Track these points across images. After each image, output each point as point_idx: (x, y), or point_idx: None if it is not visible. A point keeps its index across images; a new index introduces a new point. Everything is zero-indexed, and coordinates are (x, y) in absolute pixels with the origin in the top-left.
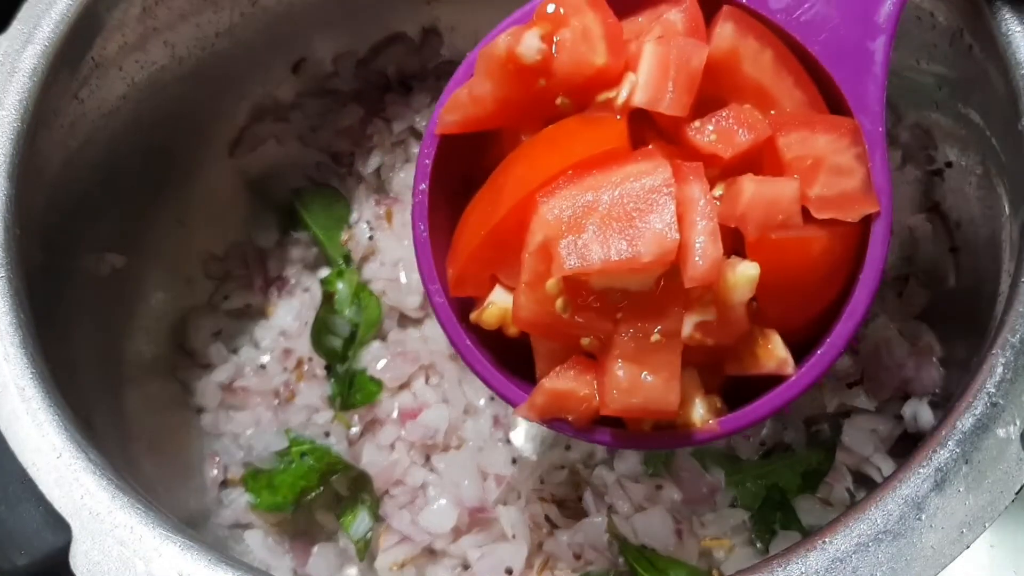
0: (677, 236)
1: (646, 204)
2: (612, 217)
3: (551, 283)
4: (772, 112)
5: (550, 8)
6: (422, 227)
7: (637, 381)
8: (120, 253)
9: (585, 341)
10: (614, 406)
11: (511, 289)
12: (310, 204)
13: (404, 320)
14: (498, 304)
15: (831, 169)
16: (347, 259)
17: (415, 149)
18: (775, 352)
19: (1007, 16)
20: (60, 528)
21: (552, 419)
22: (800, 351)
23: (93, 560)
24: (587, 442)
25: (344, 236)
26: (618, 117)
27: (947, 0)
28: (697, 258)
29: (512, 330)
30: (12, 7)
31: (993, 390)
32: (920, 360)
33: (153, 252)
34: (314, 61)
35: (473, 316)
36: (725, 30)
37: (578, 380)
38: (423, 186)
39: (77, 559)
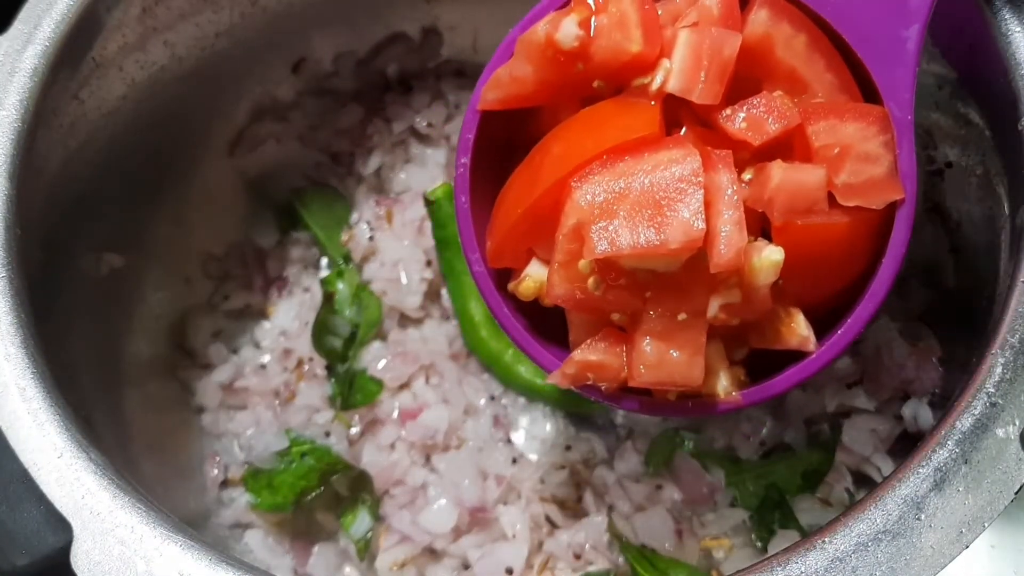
0: (703, 226)
1: (675, 192)
2: (642, 204)
3: (583, 263)
4: (804, 96)
5: None
6: (463, 199)
7: (664, 357)
8: (119, 253)
9: (615, 316)
10: (642, 380)
11: (547, 262)
12: (310, 204)
13: (404, 320)
14: (534, 277)
15: (858, 156)
16: (347, 259)
17: (415, 149)
18: (798, 329)
19: (1007, 16)
20: (61, 528)
21: (582, 386)
22: (821, 323)
23: (94, 560)
24: (615, 407)
25: (344, 236)
26: (652, 103)
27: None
28: (723, 246)
29: (547, 301)
30: (13, 7)
31: (992, 390)
32: (920, 360)
33: (152, 252)
34: (314, 61)
35: (511, 286)
36: (760, 16)
37: (608, 352)
38: (464, 159)
39: (78, 559)
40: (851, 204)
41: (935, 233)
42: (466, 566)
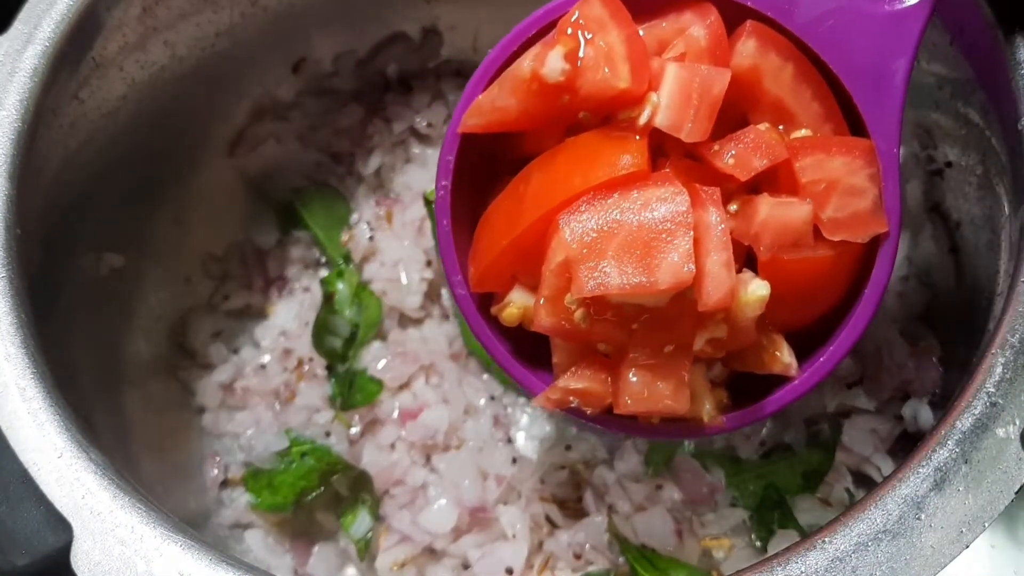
0: (693, 268)
1: (665, 233)
2: (631, 243)
3: (570, 298)
4: (789, 127)
5: (574, 22)
6: (445, 222)
7: (650, 388)
8: (119, 253)
9: (601, 347)
10: (627, 409)
11: (530, 289)
12: (310, 204)
13: (404, 320)
14: (517, 303)
15: (845, 190)
16: (347, 259)
17: (416, 149)
18: (781, 357)
19: (1007, 16)
20: (61, 528)
21: (567, 409)
22: (804, 340)
23: (94, 560)
24: (599, 429)
25: (344, 236)
26: (638, 137)
27: (947, 0)
28: (711, 287)
29: (532, 328)
30: (13, 7)
31: (993, 390)
32: (920, 360)
33: (153, 252)
34: (314, 61)
35: (494, 310)
36: (747, 47)
37: (593, 380)
38: (445, 182)
39: (78, 559)
40: (837, 239)
41: (935, 233)
42: (466, 566)
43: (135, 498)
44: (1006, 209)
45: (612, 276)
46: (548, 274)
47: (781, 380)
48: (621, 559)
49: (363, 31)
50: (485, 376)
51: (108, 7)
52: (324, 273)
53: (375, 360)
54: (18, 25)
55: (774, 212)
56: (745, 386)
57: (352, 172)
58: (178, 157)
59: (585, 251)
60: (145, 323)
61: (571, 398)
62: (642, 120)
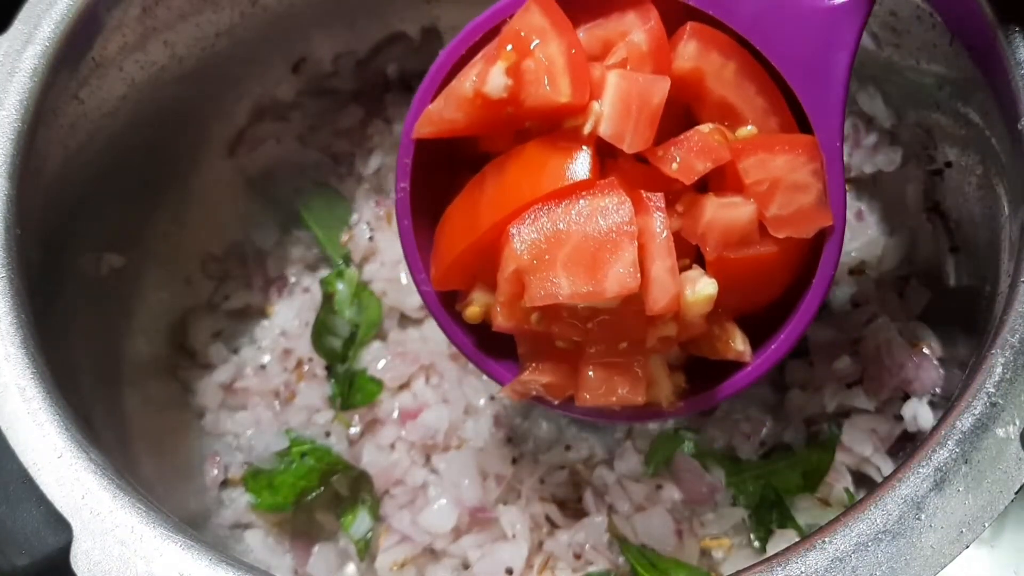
0: (638, 278)
1: (610, 243)
2: (578, 253)
3: (525, 303)
4: (735, 123)
5: (514, 34)
6: (405, 222)
7: (608, 382)
8: (119, 253)
9: (560, 344)
10: (587, 403)
11: (491, 288)
12: (311, 204)
13: (404, 320)
14: (479, 301)
15: (788, 187)
16: (347, 259)
17: None
18: (734, 345)
19: (1007, 16)
20: (61, 528)
21: (533, 397)
22: (760, 325)
23: (94, 560)
24: (565, 414)
25: (344, 237)
26: (584, 147)
27: (946, 0)
28: (657, 294)
29: (494, 328)
30: (13, 7)
31: (992, 390)
32: (920, 360)
33: (153, 252)
34: (314, 61)
35: (458, 307)
36: (688, 49)
37: (555, 373)
38: (404, 184)
39: (78, 559)
40: (782, 236)
41: (935, 233)
42: (466, 566)
43: (135, 498)
44: (1006, 209)
45: (562, 286)
46: (502, 281)
47: (737, 365)
48: (621, 559)
49: (363, 31)
50: (485, 376)
51: (108, 7)
52: (324, 273)
53: (375, 360)
54: (18, 25)
55: (719, 213)
56: (702, 369)
57: (352, 172)
58: (178, 157)
59: (535, 262)
60: (145, 323)
61: (535, 390)
62: (586, 130)
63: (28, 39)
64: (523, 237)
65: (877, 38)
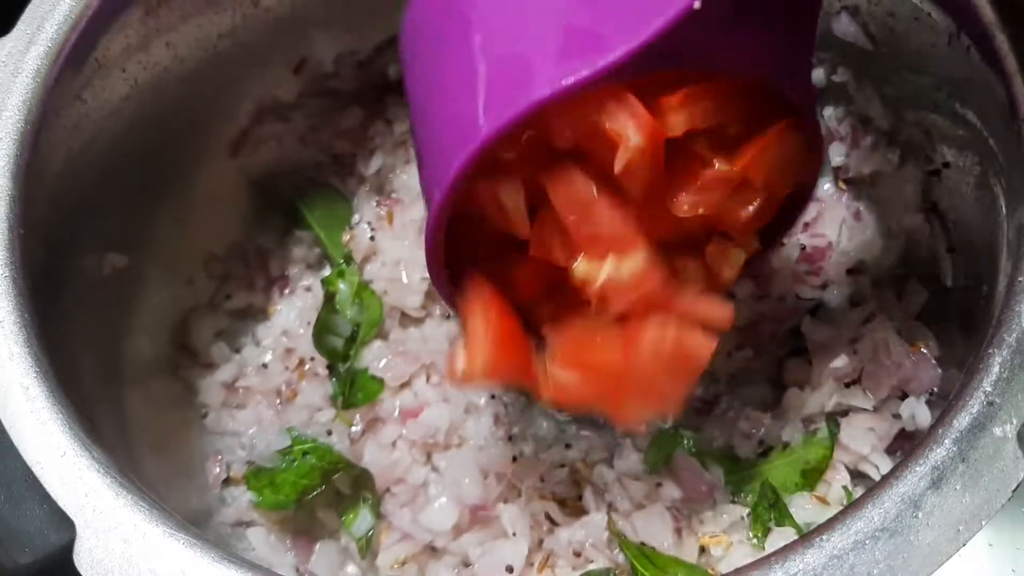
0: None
1: None
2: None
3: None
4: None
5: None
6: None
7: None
8: (122, 253)
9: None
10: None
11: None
12: (312, 204)
13: (405, 320)
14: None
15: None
16: (348, 259)
17: None
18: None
19: (1006, 16)
20: (64, 526)
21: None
22: None
23: (97, 558)
24: None
25: (346, 236)
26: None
27: (945, 1)
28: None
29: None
30: (16, 8)
31: (990, 389)
32: (918, 359)
33: (154, 252)
34: (315, 62)
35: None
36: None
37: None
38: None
39: (81, 557)
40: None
41: (933, 233)
42: (467, 564)
43: (138, 496)
44: (1003, 209)
45: None
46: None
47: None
48: (621, 557)
49: (364, 32)
50: None
51: (111, 9)
52: (325, 273)
53: (376, 359)
54: (21, 26)
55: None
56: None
57: (353, 173)
58: (180, 158)
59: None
60: (147, 323)
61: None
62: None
63: (31, 40)
64: None
65: (875, 39)
